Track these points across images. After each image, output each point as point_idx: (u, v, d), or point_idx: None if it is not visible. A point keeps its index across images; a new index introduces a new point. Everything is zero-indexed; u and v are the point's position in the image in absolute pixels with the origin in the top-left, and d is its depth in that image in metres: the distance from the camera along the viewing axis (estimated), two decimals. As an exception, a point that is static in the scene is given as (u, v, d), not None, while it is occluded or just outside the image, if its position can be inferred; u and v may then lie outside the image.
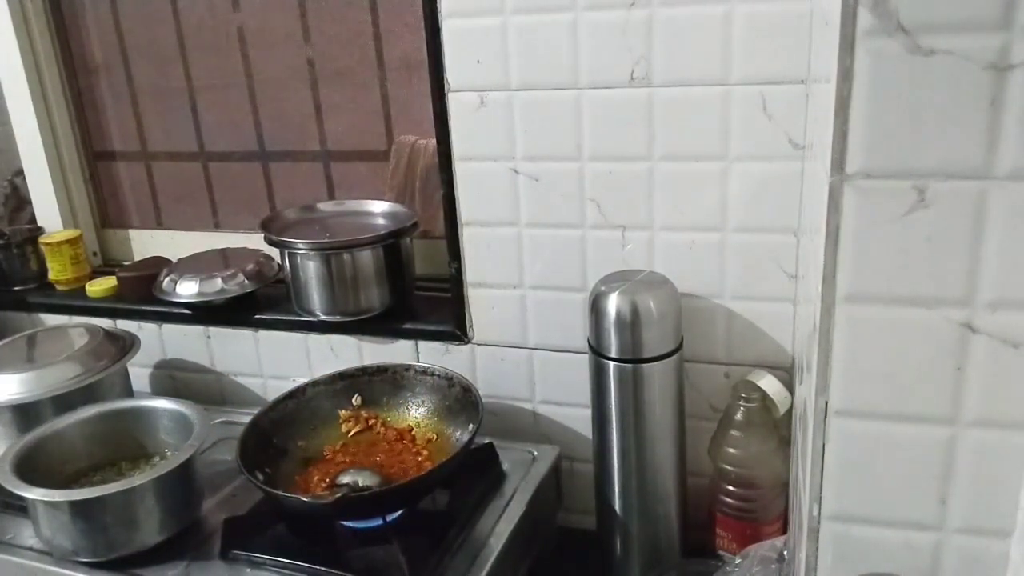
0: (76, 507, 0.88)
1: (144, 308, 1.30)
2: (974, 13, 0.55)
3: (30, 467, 0.95)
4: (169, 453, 1.04)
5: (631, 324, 0.88)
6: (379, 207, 1.23)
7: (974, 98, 0.57)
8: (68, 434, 1.02)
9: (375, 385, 1.10)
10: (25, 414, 1.08)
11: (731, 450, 0.94)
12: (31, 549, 0.96)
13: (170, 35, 1.33)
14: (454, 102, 1.00)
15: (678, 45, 0.89)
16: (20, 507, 1.00)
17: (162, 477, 0.90)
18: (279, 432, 1.03)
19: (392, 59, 1.21)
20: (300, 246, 1.12)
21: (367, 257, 1.12)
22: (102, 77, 1.42)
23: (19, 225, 1.46)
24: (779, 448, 0.94)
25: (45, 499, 0.88)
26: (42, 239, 1.38)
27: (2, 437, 1.10)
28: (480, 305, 1.09)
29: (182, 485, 0.95)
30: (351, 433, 1.05)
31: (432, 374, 1.08)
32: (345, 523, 0.93)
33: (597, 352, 0.91)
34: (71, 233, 1.39)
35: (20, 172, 1.45)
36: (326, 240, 1.13)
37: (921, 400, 0.65)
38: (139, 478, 0.90)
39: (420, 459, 1.00)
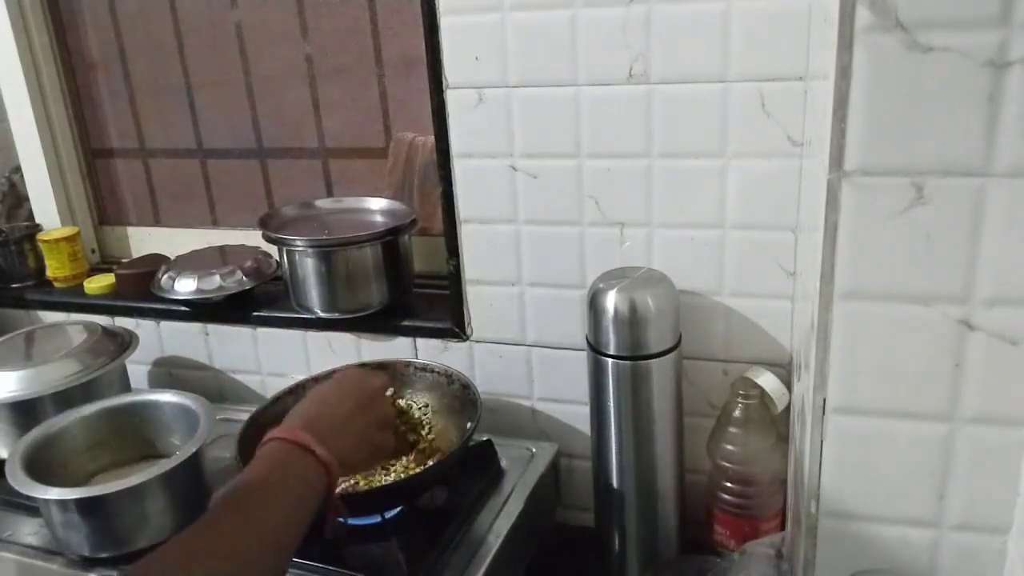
0: (87, 506, 0.88)
1: (142, 305, 1.30)
2: (972, 10, 0.55)
3: (38, 464, 0.95)
4: (177, 444, 1.05)
5: (629, 321, 0.88)
6: (377, 204, 1.23)
7: (972, 95, 0.57)
8: (73, 430, 1.03)
9: (374, 382, 1.10)
10: (24, 411, 1.08)
11: (729, 447, 0.94)
12: (30, 547, 0.96)
13: (168, 32, 1.33)
14: (452, 99, 1.00)
15: (676, 42, 0.89)
16: (19, 504, 1.00)
17: (170, 472, 0.90)
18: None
19: (390, 56, 1.21)
20: (298, 243, 1.12)
21: (365, 254, 1.12)
22: (100, 74, 1.42)
23: (17, 222, 1.46)
24: (777, 445, 0.95)
25: (58, 498, 0.88)
26: (40, 236, 1.38)
27: (1, 434, 1.10)
28: (478, 302, 1.09)
29: (190, 480, 0.95)
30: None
31: (431, 371, 1.08)
32: (344, 520, 0.93)
33: (595, 349, 0.92)
34: (69, 230, 1.39)
35: (18, 169, 1.44)
36: (324, 237, 1.13)
37: (919, 397, 0.65)
38: (148, 474, 0.90)
39: (418, 456, 0.99)
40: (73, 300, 1.35)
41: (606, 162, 0.96)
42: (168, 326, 1.31)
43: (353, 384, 0.83)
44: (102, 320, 1.29)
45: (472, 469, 0.99)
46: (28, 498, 0.90)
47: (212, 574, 0.60)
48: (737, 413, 0.94)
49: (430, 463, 0.96)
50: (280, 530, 0.65)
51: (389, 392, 0.93)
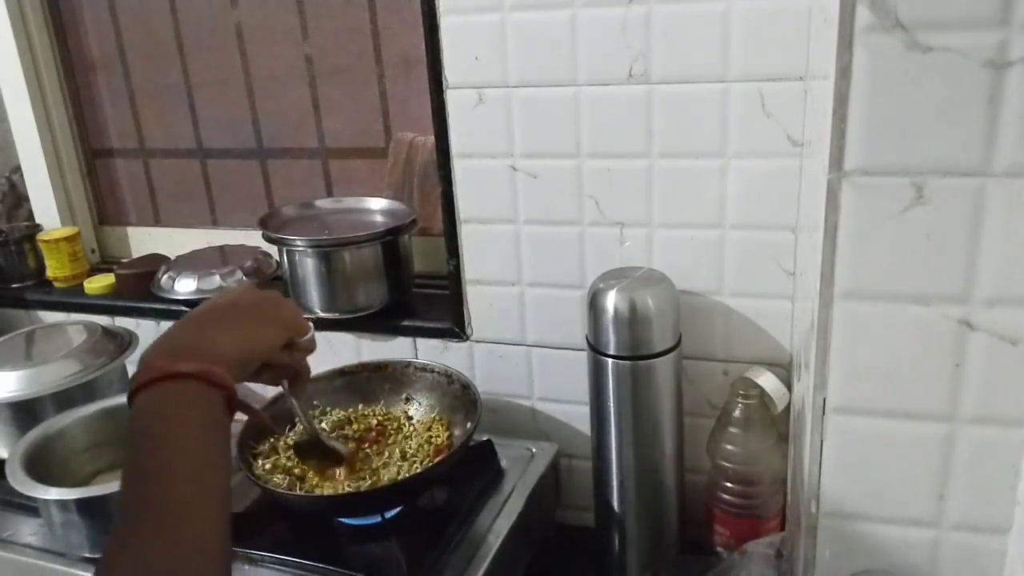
0: (87, 506, 0.89)
1: (142, 305, 1.30)
2: (972, 10, 0.55)
3: (38, 464, 0.95)
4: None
5: (629, 321, 0.88)
6: (377, 204, 1.23)
7: (972, 95, 0.57)
8: (73, 430, 1.03)
9: (374, 382, 1.10)
10: (24, 411, 1.08)
11: (729, 447, 0.94)
12: (29, 546, 0.96)
13: (168, 32, 1.33)
14: (452, 99, 1.00)
15: (677, 42, 0.89)
16: (19, 504, 1.00)
17: None
18: (278, 428, 1.03)
19: (390, 56, 1.21)
20: (298, 243, 1.12)
21: (365, 254, 1.12)
22: (100, 74, 1.42)
23: (17, 222, 1.46)
24: (777, 445, 0.95)
25: (58, 498, 0.89)
26: (40, 236, 1.38)
27: (1, 434, 1.10)
28: (479, 302, 1.09)
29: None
30: (351, 428, 1.05)
31: (431, 371, 1.08)
32: (344, 520, 0.93)
33: (595, 349, 0.92)
34: (69, 230, 1.39)
35: (18, 169, 1.44)
36: (324, 237, 1.13)
37: (919, 397, 0.65)
38: None
39: (418, 456, 0.99)
40: (73, 300, 1.35)
41: (606, 162, 0.96)
42: (168, 326, 1.31)
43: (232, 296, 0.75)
44: (102, 320, 1.29)
45: (472, 469, 0.99)
46: (28, 498, 0.90)
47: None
48: (737, 413, 0.93)
49: (430, 463, 0.96)
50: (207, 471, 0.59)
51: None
